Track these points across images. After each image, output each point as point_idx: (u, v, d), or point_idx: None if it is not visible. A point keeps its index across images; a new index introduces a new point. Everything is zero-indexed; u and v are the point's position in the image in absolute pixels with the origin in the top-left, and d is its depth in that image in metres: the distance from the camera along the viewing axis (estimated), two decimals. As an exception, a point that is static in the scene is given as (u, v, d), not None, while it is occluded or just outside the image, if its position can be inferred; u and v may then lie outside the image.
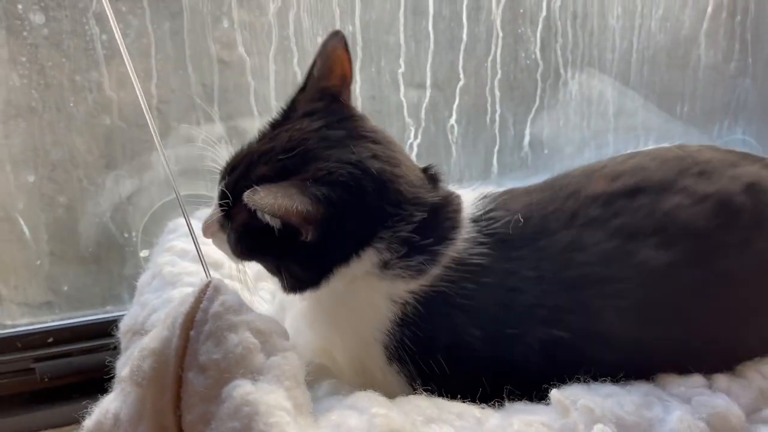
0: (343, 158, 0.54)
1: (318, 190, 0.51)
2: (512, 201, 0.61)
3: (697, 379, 0.48)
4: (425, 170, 0.61)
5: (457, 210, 0.58)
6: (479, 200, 0.61)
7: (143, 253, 0.87)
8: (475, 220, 0.58)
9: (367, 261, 0.54)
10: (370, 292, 0.54)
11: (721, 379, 0.49)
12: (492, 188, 0.65)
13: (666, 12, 1.02)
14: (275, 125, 0.62)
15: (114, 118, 0.85)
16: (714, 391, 0.47)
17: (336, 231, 0.52)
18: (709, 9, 1.04)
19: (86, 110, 0.83)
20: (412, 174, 0.58)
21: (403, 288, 0.54)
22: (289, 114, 0.63)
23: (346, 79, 0.63)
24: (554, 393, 0.46)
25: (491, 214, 0.58)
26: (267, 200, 0.48)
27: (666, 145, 0.71)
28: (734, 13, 1.06)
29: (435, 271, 0.54)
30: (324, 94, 0.62)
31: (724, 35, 1.06)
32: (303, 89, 0.63)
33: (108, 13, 0.64)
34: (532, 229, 0.56)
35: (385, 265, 0.54)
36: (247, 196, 0.49)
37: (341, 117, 0.60)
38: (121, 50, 0.61)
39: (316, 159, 0.54)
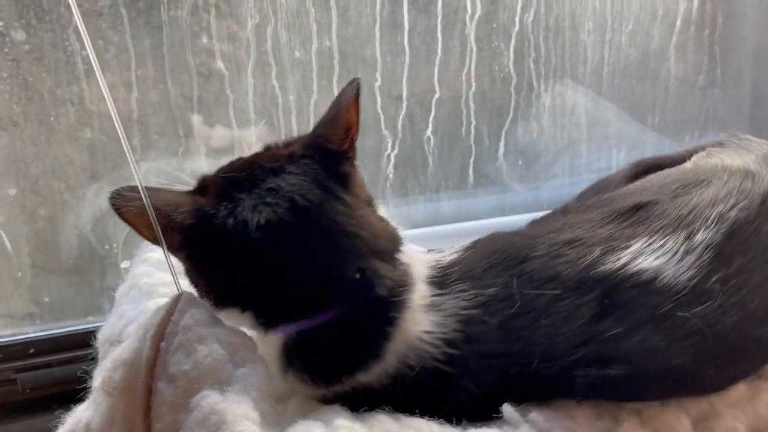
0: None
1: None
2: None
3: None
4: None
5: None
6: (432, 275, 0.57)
7: (124, 264, 0.89)
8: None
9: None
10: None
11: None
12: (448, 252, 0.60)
13: (636, 26, 1.05)
14: (268, 148, 0.61)
15: (95, 131, 0.86)
16: (663, 403, 0.49)
17: None
18: (678, 23, 1.07)
19: (68, 123, 0.85)
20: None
21: None
22: (287, 144, 0.60)
23: (350, 132, 0.59)
24: (506, 407, 0.48)
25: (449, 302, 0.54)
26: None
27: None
28: (702, 27, 1.09)
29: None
30: (317, 143, 0.58)
31: (693, 48, 1.09)
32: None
33: (80, 28, 0.65)
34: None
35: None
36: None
37: (318, 175, 0.56)
38: (93, 64, 0.62)
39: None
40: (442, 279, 0.55)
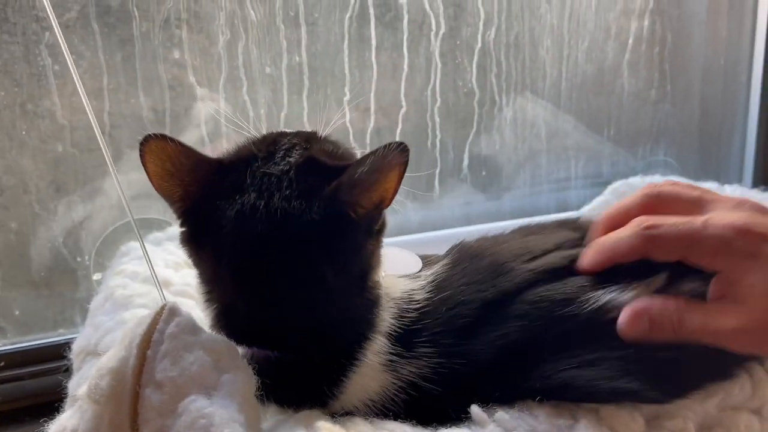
0: None
1: None
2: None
3: None
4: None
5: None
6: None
7: (96, 277, 0.89)
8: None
9: None
10: None
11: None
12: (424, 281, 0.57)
13: (591, 44, 1.10)
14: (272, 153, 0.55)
15: (66, 144, 0.87)
16: (619, 403, 0.53)
17: None
18: (630, 41, 1.13)
19: (38, 137, 0.85)
20: None
21: None
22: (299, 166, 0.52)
23: (382, 205, 0.51)
24: (473, 408, 0.51)
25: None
26: None
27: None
28: (653, 45, 1.15)
29: None
30: (336, 209, 0.50)
31: (645, 65, 1.15)
32: (343, 170, 0.50)
33: (60, 42, 0.66)
34: None
35: None
36: None
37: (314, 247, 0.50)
38: (75, 79, 0.64)
39: None
40: (406, 336, 0.54)
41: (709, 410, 0.53)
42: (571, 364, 0.50)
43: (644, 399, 0.51)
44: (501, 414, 0.50)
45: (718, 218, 0.50)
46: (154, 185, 0.53)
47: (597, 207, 1.01)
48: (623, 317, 0.50)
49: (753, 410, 0.54)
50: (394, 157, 0.48)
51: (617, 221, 0.56)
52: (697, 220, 0.50)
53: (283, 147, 0.54)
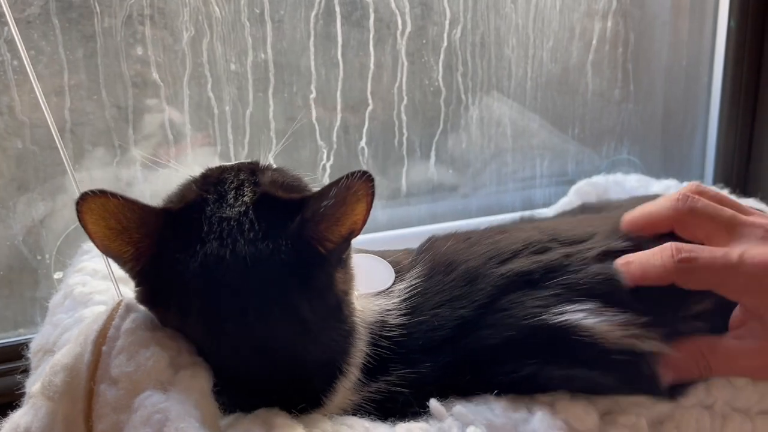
0: None
1: None
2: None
3: (563, 391, 0.54)
4: None
5: None
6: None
7: (57, 275, 0.88)
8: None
9: None
10: None
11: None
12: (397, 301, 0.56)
13: (556, 43, 1.11)
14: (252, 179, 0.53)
15: (26, 141, 0.86)
16: (574, 395, 0.54)
17: None
18: (594, 41, 1.14)
19: (-3, 134, 0.84)
20: None
21: None
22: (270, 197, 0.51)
23: (351, 236, 0.50)
24: (432, 402, 0.51)
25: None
26: None
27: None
28: (617, 45, 1.16)
29: None
30: (304, 242, 0.49)
31: (608, 65, 1.17)
32: (303, 203, 0.49)
33: (15, 36, 0.66)
34: None
35: None
36: None
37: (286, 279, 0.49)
38: (30, 74, 0.63)
39: None
40: (380, 364, 0.53)
41: (661, 406, 0.54)
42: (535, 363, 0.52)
43: (598, 387, 0.52)
44: (459, 408, 0.51)
45: (753, 253, 0.50)
46: (99, 247, 0.49)
47: (561, 207, 1.02)
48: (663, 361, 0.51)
49: (705, 407, 0.55)
50: (359, 188, 0.47)
51: (641, 228, 0.56)
52: (733, 254, 0.50)
53: (232, 186, 0.52)
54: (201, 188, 0.52)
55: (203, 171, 0.56)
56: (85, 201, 0.47)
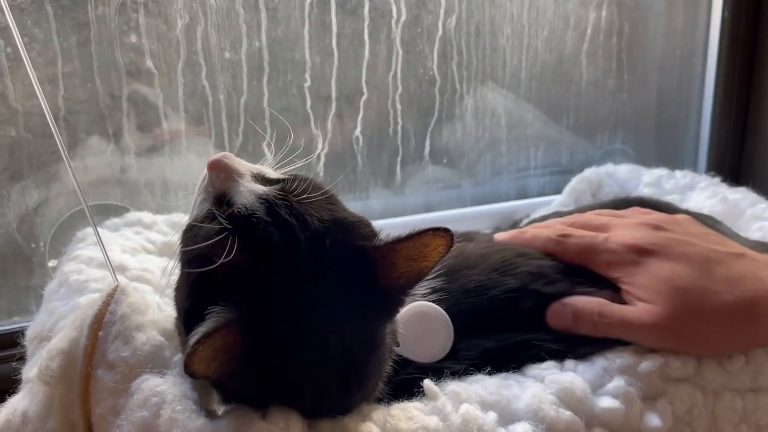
0: None
1: None
2: None
3: (550, 363, 0.56)
4: None
5: None
6: None
7: (51, 264, 0.88)
8: None
9: None
10: None
11: (569, 362, 0.56)
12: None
13: (550, 33, 1.11)
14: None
15: (20, 129, 0.85)
16: (564, 371, 0.54)
17: None
18: (589, 31, 1.15)
19: (-10, 121, 0.84)
20: None
21: None
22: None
23: (420, 281, 0.51)
24: (426, 382, 0.52)
25: None
26: None
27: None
28: (611, 35, 1.17)
29: None
30: (387, 294, 0.49)
31: (603, 54, 1.17)
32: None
33: (10, 23, 0.65)
34: None
35: None
36: None
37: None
38: (25, 61, 0.62)
39: None
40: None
41: (654, 379, 0.55)
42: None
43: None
44: (452, 386, 0.51)
45: (616, 236, 0.62)
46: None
47: (556, 207, 1.03)
48: (550, 310, 0.59)
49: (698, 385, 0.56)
50: (437, 242, 0.48)
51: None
52: (600, 236, 0.63)
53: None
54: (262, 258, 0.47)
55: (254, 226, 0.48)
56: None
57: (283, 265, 0.46)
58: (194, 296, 0.47)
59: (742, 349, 0.58)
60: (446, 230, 0.47)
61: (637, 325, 0.56)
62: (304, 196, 0.49)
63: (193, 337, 0.41)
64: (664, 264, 0.58)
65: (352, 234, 0.49)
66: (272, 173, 0.54)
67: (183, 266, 0.50)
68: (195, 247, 0.47)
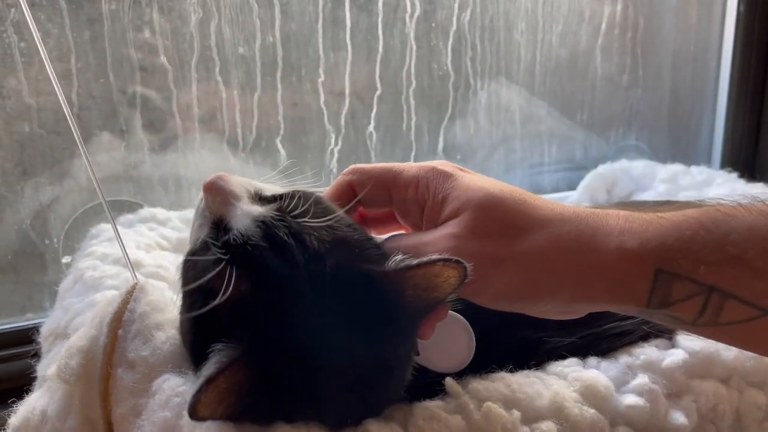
0: None
1: None
2: None
3: (572, 360, 0.55)
4: None
5: None
6: None
7: (65, 260, 0.87)
8: None
9: None
10: None
11: (592, 359, 0.55)
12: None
13: (565, 28, 1.10)
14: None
15: (33, 125, 0.85)
16: (586, 368, 0.54)
17: None
18: (603, 25, 1.13)
19: (3, 117, 0.83)
20: None
21: None
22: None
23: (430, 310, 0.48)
24: (448, 380, 0.51)
25: None
26: None
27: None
28: (626, 30, 1.16)
29: None
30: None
31: (617, 49, 1.16)
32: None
33: (28, 19, 0.65)
34: None
35: None
36: None
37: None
38: (43, 58, 0.62)
39: None
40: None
41: (678, 375, 0.54)
42: None
43: None
44: (474, 385, 0.51)
45: (411, 166, 0.52)
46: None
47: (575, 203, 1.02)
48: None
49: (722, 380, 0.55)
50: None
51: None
52: (397, 166, 0.53)
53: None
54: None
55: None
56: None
57: (284, 290, 0.44)
58: (196, 332, 0.46)
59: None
60: (458, 261, 0.43)
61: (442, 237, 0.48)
62: (302, 215, 0.47)
63: (196, 384, 0.41)
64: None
65: (357, 256, 0.47)
66: (271, 189, 0.51)
67: (184, 302, 0.49)
68: (195, 285, 0.45)
